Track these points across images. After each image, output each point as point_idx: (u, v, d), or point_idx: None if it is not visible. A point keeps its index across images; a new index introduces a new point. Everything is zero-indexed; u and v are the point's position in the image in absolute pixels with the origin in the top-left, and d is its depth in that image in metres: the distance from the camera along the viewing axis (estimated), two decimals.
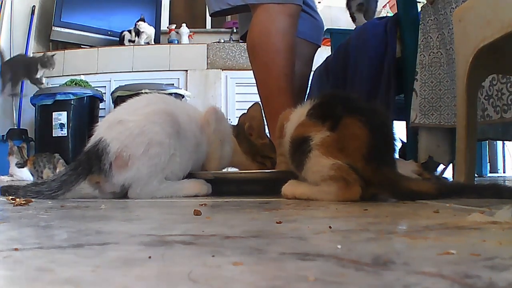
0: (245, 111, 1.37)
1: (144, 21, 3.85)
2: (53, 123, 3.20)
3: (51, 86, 3.46)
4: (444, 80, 1.52)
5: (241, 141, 1.29)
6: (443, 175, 1.89)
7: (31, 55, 3.48)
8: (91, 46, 3.84)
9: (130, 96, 1.21)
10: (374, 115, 0.90)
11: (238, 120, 1.36)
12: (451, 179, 1.54)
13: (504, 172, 3.00)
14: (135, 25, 3.84)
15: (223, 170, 1.33)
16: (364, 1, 2.24)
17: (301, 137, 0.91)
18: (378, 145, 0.86)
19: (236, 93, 3.76)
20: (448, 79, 1.51)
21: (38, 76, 3.29)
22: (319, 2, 3.99)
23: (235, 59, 3.81)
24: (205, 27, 4.40)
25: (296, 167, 0.94)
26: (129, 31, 3.87)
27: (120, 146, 1.01)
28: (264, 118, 1.37)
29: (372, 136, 0.85)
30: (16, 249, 0.39)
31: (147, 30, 3.84)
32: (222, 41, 4.09)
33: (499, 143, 2.95)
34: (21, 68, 3.27)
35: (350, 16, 2.32)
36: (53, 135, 3.21)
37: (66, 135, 3.21)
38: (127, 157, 1.01)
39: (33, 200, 0.89)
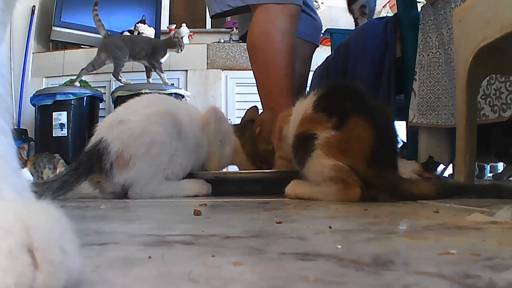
0: (246, 110, 1.37)
1: (145, 23, 3.83)
2: (53, 123, 3.20)
3: (51, 86, 3.46)
4: (442, 80, 1.53)
5: (245, 142, 1.29)
6: (443, 175, 1.89)
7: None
8: (91, 46, 3.83)
9: (130, 96, 1.21)
10: (381, 116, 0.88)
11: (242, 120, 1.36)
12: (451, 179, 1.54)
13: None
14: (135, 26, 3.83)
15: (223, 170, 1.33)
16: (365, 3, 2.24)
17: (307, 134, 0.89)
18: (382, 149, 0.85)
19: (236, 93, 3.76)
20: (446, 79, 1.51)
21: (162, 60, 3.28)
22: (322, 3, 3.98)
23: (235, 59, 3.80)
24: (205, 27, 4.40)
25: (298, 163, 0.93)
26: (130, 31, 3.86)
27: (121, 146, 1.01)
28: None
29: (377, 139, 0.84)
30: None
31: (147, 31, 3.83)
32: (222, 41, 4.08)
33: None
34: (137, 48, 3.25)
35: (354, 21, 2.32)
36: (53, 135, 3.21)
37: (66, 135, 3.21)
38: (128, 157, 1.01)
39: None
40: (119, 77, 3.24)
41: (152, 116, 1.06)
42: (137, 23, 3.82)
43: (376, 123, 0.85)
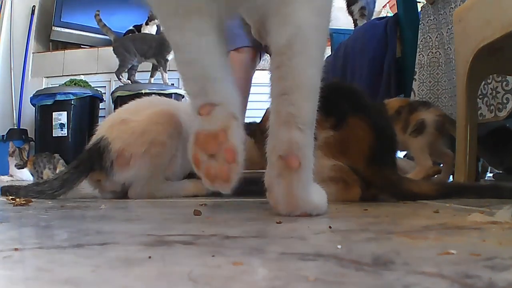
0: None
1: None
2: (53, 123, 3.20)
3: (51, 86, 3.45)
4: (442, 80, 1.53)
5: (259, 140, 1.27)
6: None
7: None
8: (91, 46, 3.84)
9: (130, 96, 1.21)
10: (379, 115, 0.89)
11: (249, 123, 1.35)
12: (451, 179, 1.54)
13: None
14: (146, 22, 3.70)
15: None
16: (365, 4, 2.24)
17: None
18: (381, 148, 0.85)
19: None
20: (446, 79, 1.51)
21: (168, 57, 3.24)
22: None
23: None
24: None
25: None
26: (130, 31, 3.84)
27: (122, 145, 1.01)
28: None
29: (377, 139, 0.84)
30: (16, 249, 0.39)
31: (150, 30, 3.79)
32: None
33: None
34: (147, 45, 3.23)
35: (353, 22, 2.32)
36: (53, 135, 3.21)
37: (66, 135, 3.21)
38: (128, 155, 1.01)
39: (33, 200, 0.89)
40: (120, 77, 3.24)
41: (153, 116, 1.06)
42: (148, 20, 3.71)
43: (374, 122, 0.85)
